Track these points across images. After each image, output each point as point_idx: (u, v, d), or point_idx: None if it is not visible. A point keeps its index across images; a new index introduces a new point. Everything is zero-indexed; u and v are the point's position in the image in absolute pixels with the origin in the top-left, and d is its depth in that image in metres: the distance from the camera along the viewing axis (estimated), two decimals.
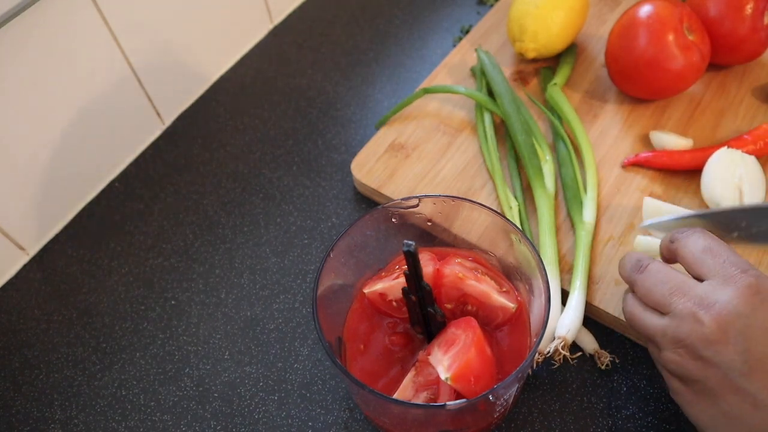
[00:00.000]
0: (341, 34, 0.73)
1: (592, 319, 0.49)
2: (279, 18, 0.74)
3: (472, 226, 0.48)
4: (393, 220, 0.45)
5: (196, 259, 0.56)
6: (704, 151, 0.53)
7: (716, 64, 0.60)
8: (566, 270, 0.50)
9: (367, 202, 0.59)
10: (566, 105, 0.58)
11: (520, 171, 0.56)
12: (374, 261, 0.46)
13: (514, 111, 0.56)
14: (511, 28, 0.62)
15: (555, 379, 0.47)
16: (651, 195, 0.54)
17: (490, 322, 0.42)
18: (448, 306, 0.43)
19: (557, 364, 0.46)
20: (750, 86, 0.60)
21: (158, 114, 0.64)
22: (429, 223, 0.46)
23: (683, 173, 0.55)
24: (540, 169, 0.54)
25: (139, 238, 0.58)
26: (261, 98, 0.67)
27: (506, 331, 0.42)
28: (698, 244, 0.39)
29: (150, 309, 0.54)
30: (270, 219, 0.58)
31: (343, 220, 0.57)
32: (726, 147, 0.52)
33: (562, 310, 0.47)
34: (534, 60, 0.64)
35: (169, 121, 0.65)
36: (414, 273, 0.37)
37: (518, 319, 0.42)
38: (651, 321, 0.39)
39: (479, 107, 0.59)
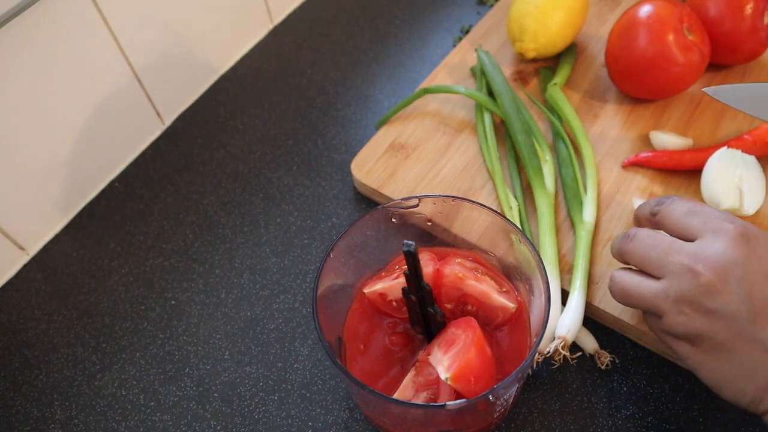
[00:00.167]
0: (341, 34, 0.73)
1: (592, 319, 0.49)
2: (279, 18, 0.74)
3: (472, 226, 0.48)
4: (393, 220, 0.45)
5: (196, 259, 0.56)
6: (704, 151, 0.53)
7: (716, 64, 0.60)
8: (566, 270, 0.50)
9: (367, 202, 0.59)
10: (566, 105, 0.58)
11: (520, 171, 0.56)
12: (374, 261, 0.46)
13: (514, 111, 0.56)
14: (511, 28, 0.62)
15: (555, 379, 0.47)
16: (651, 195, 0.54)
17: (490, 322, 0.42)
18: (448, 306, 0.43)
19: (557, 364, 0.46)
20: None
21: (158, 114, 0.64)
22: (429, 223, 0.46)
23: (683, 173, 0.55)
24: (540, 169, 0.54)
25: (139, 238, 0.58)
26: (261, 98, 0.67)
27: (506, 331, 0.42)
28: (680, 208, 0.40)
29: (150, 309, 0.54)
30: (270, 219, 0.58)
31: (343, 220, 0.58)
32: (726, 147, 0.52)
33: (562, 310, 0.47)
34: (534, 60, 0.64)
35: (169, 121, 0.65)
36: (414, 273, 0.37)
37: (518, 319, 0.42)
38: (648, 287, 0.39)
39: (479, 107, 0.59)
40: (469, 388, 0.37)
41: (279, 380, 0.49)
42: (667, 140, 0.56)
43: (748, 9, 0.55)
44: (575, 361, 0.48)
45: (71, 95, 0.55)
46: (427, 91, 0.60)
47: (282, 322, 0.52)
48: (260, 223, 0.58)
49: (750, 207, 0.50)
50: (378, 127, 0.61)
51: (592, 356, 0.48)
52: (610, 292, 0.42)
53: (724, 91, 0.46)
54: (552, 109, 0.59)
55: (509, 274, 0.44)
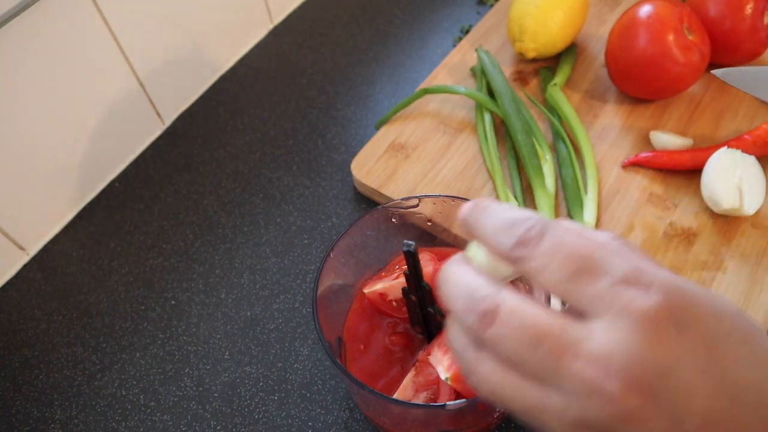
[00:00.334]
0: (341, 34, 0.73)
1: None
2: (279, 18, 0.74)
3: None
4: (393, 220, 0.45)
5: (196, 259, 0.56)
6: (704, 151, 0.53)
7: (716, 64, 0.60)
8: None
9: (367, 202, 0.59)
10: (566, 105, 0.58)
11: (520, 171, 0.56)
12: (374, 261, 0.46)
13: (514, 111, 0.56)
14: (511, 28, 0.62)
15: None
16: (651, 195, 0.54)
17: None
18: None
19: None
20: None
21: (158, 114, 0.64)
22: (429, 223, 0.46)
23: (683, 173, 0.55)
24: (540, 169, 0.54)
25: (139, 238, 0.58)
26: (261, 98, 0.67)
27: None
28: (564, 262, 0.25)
29: (150, 309, 0.54)
30: (270, 219, 0.58)
31: (343, 220, 0.58)
32: (726, 147, 0.52)
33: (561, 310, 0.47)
34: (534, 60, 0.64)
35: (169, 121, 0.65)
36: (414, 273, 0.37)
37: None
38: (535, 400, 0.25)
39: (479, 107, 0.59)
40: (469, 388, 0.37)
41: (279, 380, 0.49)
42: (667, 140, 0.56)
43: (748, 9, 0.55)
44: None
45: (71, 96, 0.55)
46: (427, 91, 0.60)
47: (282, 322, 0.52)
48: (260, 223, 0.58)
49: (750, 207, 0.50)
50: (378, 127, 0.61)
51: None
52: (473, 384, 0.27)
53: (732, 74, 0.44)
54: (552, 109, 0.59)
55: None
